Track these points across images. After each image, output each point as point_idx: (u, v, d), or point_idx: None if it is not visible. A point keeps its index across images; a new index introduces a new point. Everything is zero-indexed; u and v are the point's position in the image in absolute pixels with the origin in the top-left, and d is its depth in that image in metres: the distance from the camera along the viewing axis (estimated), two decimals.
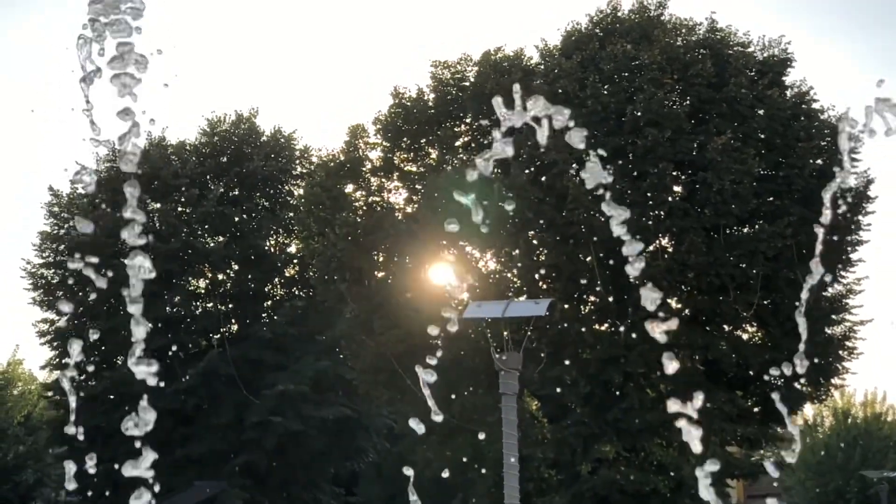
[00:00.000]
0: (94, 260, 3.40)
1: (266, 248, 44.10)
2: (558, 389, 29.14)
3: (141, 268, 3.11)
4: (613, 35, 31.06)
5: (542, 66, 31.76)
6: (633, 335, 26.87)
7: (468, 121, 32.57)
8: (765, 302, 29.51)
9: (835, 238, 27.76)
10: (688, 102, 29.53)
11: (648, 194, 28.56)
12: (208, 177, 43.77)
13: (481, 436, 22.98)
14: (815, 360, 29.49)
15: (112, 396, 36.85)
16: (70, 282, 41.47)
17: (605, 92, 29.28)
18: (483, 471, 28.81)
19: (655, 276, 28.47)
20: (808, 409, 44.54)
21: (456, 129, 32.80)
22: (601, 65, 29.85)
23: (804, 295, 4.00)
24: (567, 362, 28.93)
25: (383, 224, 31.65)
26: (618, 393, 28.73)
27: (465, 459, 29.18)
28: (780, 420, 31.48)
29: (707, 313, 29.98)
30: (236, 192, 44.19)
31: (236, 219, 43.34)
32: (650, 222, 28.78)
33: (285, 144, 45.30)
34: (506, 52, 32.54)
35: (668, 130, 28.25)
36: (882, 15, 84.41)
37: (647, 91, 28.49)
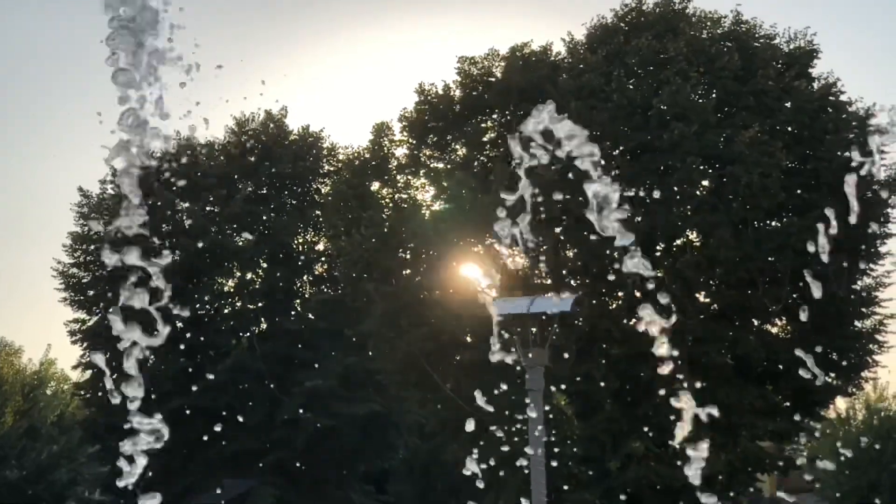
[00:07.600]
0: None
1: (294, 246, 44.27)
2: (590, 387, 29.04)
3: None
4: (638, 29, 30.96)
5: (569, 61, 31.70)
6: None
7: (495, 116, 32.47)
8: (794, 296, 29.33)
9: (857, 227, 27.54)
10: (714, 95, 29.37)
11: (675, 189, 28.44)
12: (237, 176, 43.98)
13: (499, 433, 22.91)
14: (846, 356, 29.36)
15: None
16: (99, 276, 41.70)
17: (631, 86, 29.18)
18: (520, 464, 28.74)
19: (684, 272, 28.41)
20: (841, 403, 44.27)
21: (483, 125, 32.72)
22: (626, 59, 29.76)
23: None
24: (597, 358, 28.85)
25: (410, 222, 31.64)
26: (647, 389, 28.63)
27: (491, 462, 29.11)
28: (811, 413, 31.35)
29: (736, 308, 29.80)
30: (264, 191, 44.37)
31: (264, 217, 43.55)
32: (678, 219, 28.67)
33: (313, 143, 45.43)
34: (532, 47, 32.43)
35: (695, 124, 28.10)
36: None
37: (672, 84, 28.36)
